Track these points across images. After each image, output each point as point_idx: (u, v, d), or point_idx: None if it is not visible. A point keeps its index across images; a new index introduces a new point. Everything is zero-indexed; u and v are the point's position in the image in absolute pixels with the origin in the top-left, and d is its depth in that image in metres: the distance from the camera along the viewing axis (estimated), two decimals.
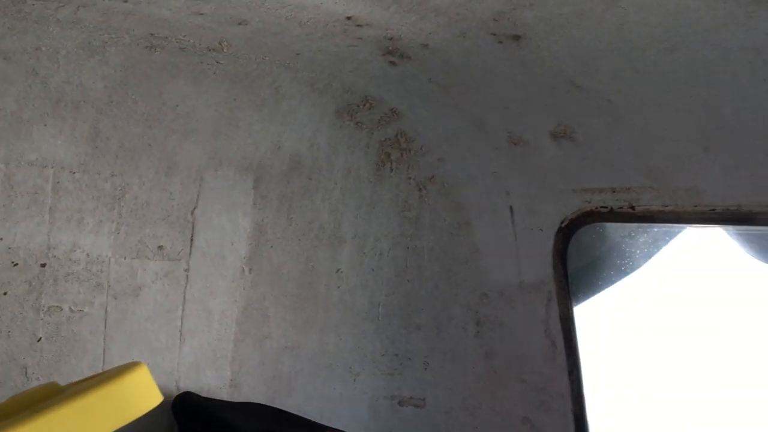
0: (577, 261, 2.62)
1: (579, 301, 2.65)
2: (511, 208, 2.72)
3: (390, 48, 2.31)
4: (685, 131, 2.05)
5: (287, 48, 2.36)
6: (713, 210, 2.09)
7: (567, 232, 2.54)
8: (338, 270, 2.94)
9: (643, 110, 2.10)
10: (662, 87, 1.99)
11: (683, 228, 2.47)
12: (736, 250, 2.40)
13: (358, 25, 2.12)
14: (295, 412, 2.76)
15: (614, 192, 2.34)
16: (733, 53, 1.77)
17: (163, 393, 2.62)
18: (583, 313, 2.64)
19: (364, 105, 2.75)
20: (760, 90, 1.82)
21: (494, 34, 2.08)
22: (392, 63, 2.43)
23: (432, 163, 2.89)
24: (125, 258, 2.55)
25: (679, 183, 2.14)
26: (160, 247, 2.60)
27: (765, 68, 1.76)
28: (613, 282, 2.72)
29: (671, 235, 2.61)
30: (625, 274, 2.69)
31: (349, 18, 2.07)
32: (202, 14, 2.10)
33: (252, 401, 2.79)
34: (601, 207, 2.40)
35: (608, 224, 2.57)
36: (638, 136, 2.17)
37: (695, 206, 2.13)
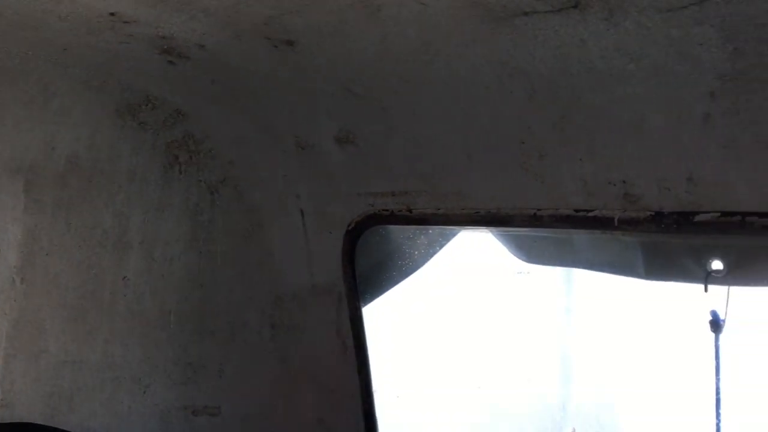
0: (365, 262, 2.69)
1: (367, 301, 2.72)
2: (302, 211, 2.73)
3: (165, 47, 2.22)
4: (451, 139, 2.16)
5: (52, 43, 2.20)
6: (477, 213, 2.23)
7: (354, 235, 2.59)
8: (125, 277, 2.80)
9: (413, 118, 2.19)
10: (428, 96, 2.09)
11: (457, 230, 2.63)
12: (500, 250, 2.60)
13: (125, 22, 2.03)
14: (77, 431, 2.60)
15: (394, 195, 2.42)
16: (483, 67, 1.89)
17: None
18: (371, 313, 2.71)
19: (147, 105, 2.64)
20: (508, 101, 1.96)
21: (269, 38, 2.07)
22: (171, 62, 2.34)
23: (223, 165, 2.84)
24: None
25: (447, 188, 2.26)
26: None
27: (511, 81, 1.90)
28: (396, 282, 2.83)
29: (447, 237, 2.76)
30: (407, 274, 2.81)
31: (113, 14, 1.97)
32: None
33: (27, 421, 2.59)
34: (383, 210, 2.47)
35: (391, 227, 2.66)
36: (411, 142, 2.26)
37: (462, 209, 2.25)
